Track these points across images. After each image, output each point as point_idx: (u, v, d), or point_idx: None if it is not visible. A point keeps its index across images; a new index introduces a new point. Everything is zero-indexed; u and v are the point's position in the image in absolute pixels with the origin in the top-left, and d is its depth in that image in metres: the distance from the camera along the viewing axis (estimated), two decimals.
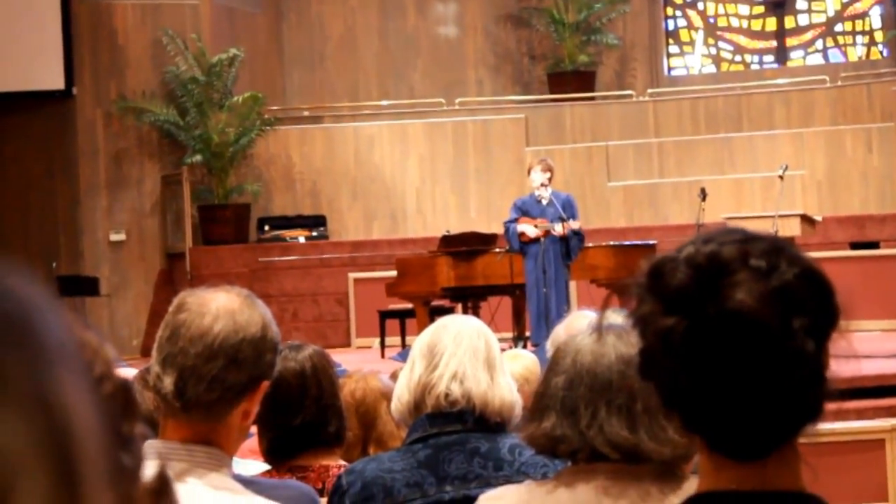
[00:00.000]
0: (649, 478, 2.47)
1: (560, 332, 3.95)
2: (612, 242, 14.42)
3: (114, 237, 18.30)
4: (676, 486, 2.45)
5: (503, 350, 6.37)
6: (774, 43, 21.08)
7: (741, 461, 1.65)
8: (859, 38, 20.68)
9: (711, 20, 21.31)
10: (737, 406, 1.62)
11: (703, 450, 1.68)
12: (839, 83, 19.45)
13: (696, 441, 1.69)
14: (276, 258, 18.04)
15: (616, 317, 3.60)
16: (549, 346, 4.05)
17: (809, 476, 1.68)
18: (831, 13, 20.79)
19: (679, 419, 1.68)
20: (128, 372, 4.10)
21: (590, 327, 2.58)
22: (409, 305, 14.21)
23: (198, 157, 18.02)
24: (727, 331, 1.61)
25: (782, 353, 1.61)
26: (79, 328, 1.12)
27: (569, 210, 12.98)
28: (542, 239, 12.82)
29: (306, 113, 20.17)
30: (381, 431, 4.15)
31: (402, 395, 3.30)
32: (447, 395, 3.20)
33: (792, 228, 12.70)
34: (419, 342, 3.32)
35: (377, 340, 15.17)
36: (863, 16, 20.65)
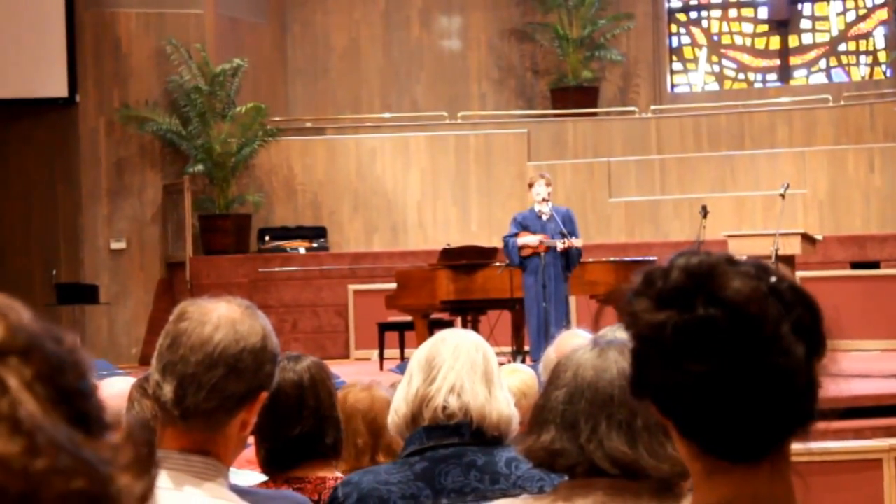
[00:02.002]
0: (648, 494, 2.47)
1: (551, 352, 3.96)
2: (612, 258, 14.42)
3: (114, 245, 18.30)
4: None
5: (501, 364, 6.37)
6: (778, 61, 21.10)
7: (733, 463, 1.66)
8: (863, 58, 20.70)
9: (715, 38, 21.34)
10: (728, 403, 1.63)
11: (696, 458, 1.69)
12: (842, 103, 19.47)
13: (690, 451, 1.69)
14: (277, 269, 18.04)
15: (619, 332, 3.61)
16: (542, 368, 4.06)
17: (801, 488, 1.69)
18: (835, 33, 20.82)
19: (675, 428, 1.68)
20: (126, 381, 4.10)
21: (591, 342, 2.58)
22: (409, 318, 14.20)
23: (199, 167, 18.03)
24: (718, 323, 1.62)
25: (772, 351, 1.62)
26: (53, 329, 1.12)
27: (569, 225, 12.98)
28: (543, 254, 12.81)
29: (309, 124, 20.18)
30: (389, 440, 4.15)
31: (399, 407, 3.30)
32: (444, 408, 3.20)
33: (792, 247, 12.71)
34: (417, 355, 3.32)
35: (376, 352, 15.16)
36: (866, 36, 20.68)
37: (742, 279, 1.65)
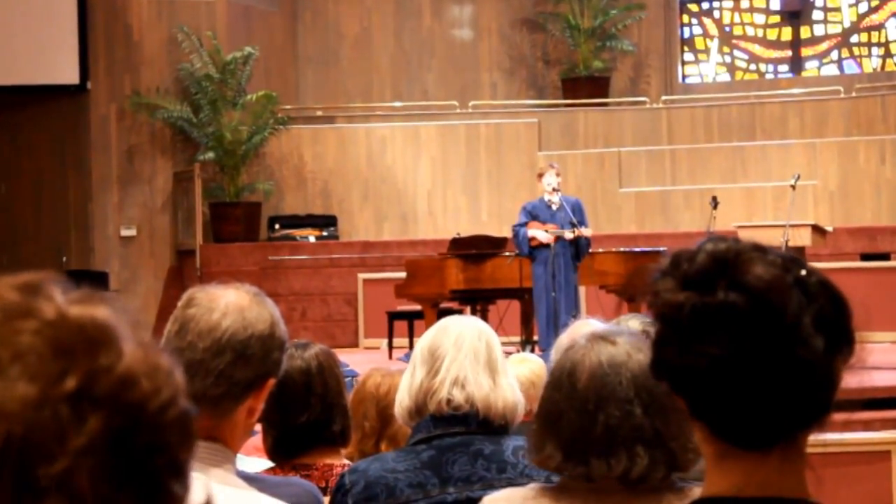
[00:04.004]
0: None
1: (563, 341, 3.94)
2: (622, 248, 14.41)
3: (124, 232, 18.32)
4: (684, 496, 2.44)
5: (510, 354, 6.36)
6: (789, 53, 21.06)
7: (744, 449, 1.65)
8: (875, 50, 20.65)
9: (727, 28, 21.30)
10: (740, 388, 1.62)
11: (708, 441, 1.68)
12: (853, 94, 19.43)
13: (702, 434, 1.69)
14: (286, 257, 18.05)
15: (631, 322, 3.59)
16: (553, 355, 4.03)
17: (813, 481, 1.68)
18: (847, 24, 20.77)
19: (688, 410, 1.68)
20: None
21: (593, 339, 2.55)
22: (418, 307, 14.21)
23: (210, 155, 18.04)
24: (737, 308, 1.62)
25: (790, 340, 1.62)
26: (154, 350, 1.10)
27: (578, 214, 12.97)
28: (552, 244, 12.81)
29: (319, 113, 20.18)
30: (396, 430, 4.15)
31: (403, 399, 3.29)
32: (449, 401, 3.20)
33: (803, 238, 12.68)
34: (420, 346, 3.31)
35: (385, 341, 15.17)
36: (879, 27, 20.62)
37: (766, 267, 1.64)
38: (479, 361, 3.23)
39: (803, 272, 1.67)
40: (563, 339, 3.96)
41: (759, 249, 1.68)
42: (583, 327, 4.07)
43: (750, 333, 1.62)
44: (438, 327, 3.33)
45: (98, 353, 1.04)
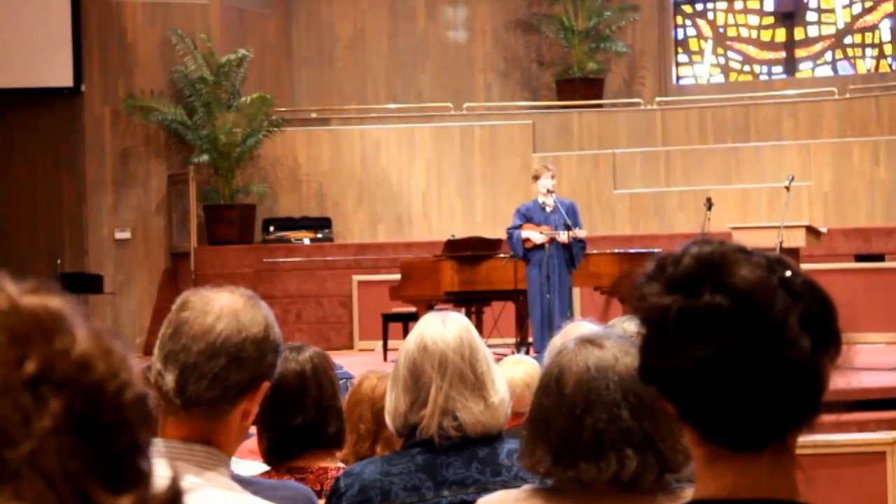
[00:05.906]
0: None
1: (555, 343, 3.94)
2: (616, 250, 14.42)
3: (119, 235, 18.30)
4: (676, 497, 2.44)
5: (505, 356, 6.35)
6: (783, 54, 21.08)
7: (734, 451, 1.66)
8: (868, 51, 20.67)
9: (721, 30, 21.31)
10: (728, 390, 1.63)
11: (698, 444, 1.69)
12: (847, 95, 19.45)
13: (692, 437, 1.69)
14: (281, 259, 18.05)
15: (626, 324, 3.59)
16: (546, 358, 4.02)
17: (804, 481, 1.68)
18: (841, 25, 20.79)
19: (678, 413, 1.68)
20: None
21: (581, 343, 2.54)
22: (413, 309, 14.21)
23: (204, 157, 18.03)
24: (723, 310, 1.62)
25: (776, 341, 1.62)
26: (106, 335, 1.11)
27: (572, 217, 12.98)
28: (547, 246, 12.81)
29: (314, 115, 20.17)
30: (391, 433, 4.15)
31: (388, 423, 3.27)
32: (440, 432, 3.17)
33: (797, 240, 12.69)
34: (401, 364, 3.23)
35: (380, 343, 15.17)
36: (872, 29, 20.65)
37: (751, 268, 1.65)
38: (465, 384, 3.17)
39: (788, 273, 1.67)
40: (556, 341, 3.96)
41: (744, 251, 1.68)
42: (576, 329, 4.07)
43: (736, 335, 1.62)
44: (417, 346, 3.24)
45: (53, 339, 1.06)
